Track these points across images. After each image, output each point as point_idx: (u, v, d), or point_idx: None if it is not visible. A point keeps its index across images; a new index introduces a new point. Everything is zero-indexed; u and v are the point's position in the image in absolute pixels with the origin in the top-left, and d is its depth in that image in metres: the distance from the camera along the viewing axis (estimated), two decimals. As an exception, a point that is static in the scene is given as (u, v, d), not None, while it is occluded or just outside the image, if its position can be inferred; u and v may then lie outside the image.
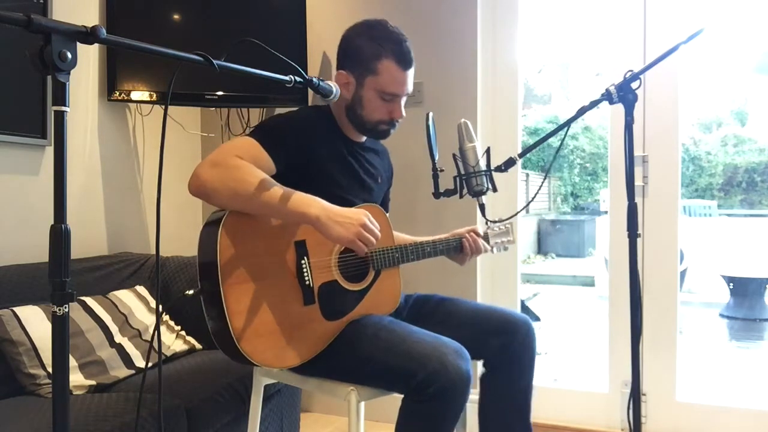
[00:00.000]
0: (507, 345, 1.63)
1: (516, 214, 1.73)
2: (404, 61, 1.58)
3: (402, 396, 1.44)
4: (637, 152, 2.38)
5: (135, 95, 2.46)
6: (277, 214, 1.43)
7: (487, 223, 1.77)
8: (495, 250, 1.83)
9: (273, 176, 1.48)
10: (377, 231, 1.47)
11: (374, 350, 1.46)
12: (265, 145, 1.48)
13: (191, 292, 1.41)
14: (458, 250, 1.76)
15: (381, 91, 1.58)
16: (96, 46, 2.35)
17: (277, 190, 1.41)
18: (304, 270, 1.50)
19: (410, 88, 1.62)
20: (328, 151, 1.61)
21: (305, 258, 1.50)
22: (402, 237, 1.85)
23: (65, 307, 0.89)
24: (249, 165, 1.42)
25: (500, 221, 1.79)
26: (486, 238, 1.80)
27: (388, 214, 1.90)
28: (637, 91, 1.41)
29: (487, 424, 1.68)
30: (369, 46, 1.57)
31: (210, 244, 1.41)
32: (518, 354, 1.64)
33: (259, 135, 1.50)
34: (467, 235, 1.75)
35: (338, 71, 1.63)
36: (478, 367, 1.72)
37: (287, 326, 1.46)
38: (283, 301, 1.47)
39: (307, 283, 1.50)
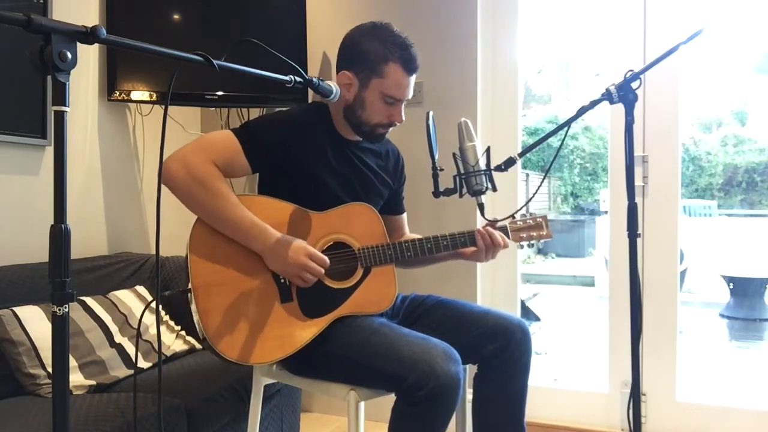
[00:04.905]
0: (502, 349, 1.61)
1: (515, 213, 1.71)
2: (410, 67, 1.59)
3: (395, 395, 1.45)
4: (637, 152, 2.37)
5: (135, 95, 2.46)
6: (230, 233, 1.47)
7: (513, 216, 1.70)
8: (525, 245, 1.70)
9: (261, 175, 1.57)
10: (319, 269, 1.48)
11: (365, 355, 1.46)
12: (245, 147, 1.51)
13: (168, 293, 1.44)
14: (469, 245, 1.65)
15: (384, 94, 1.58)
16: (96, 46, 2.35)
17: (231, 215, 1.45)
18: None
19: (411, 93, 1.64)
20: (316, 151, 1.60)
21: None
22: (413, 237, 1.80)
23: (65, 307, 0.89)
24: (215, 181, 1.46)
25: (528, 214, 1.69)
26: (505, 231, 1.68)
27: (404, 215, 1.89)
28: (637, 91, 1.41)
29: (480, 425, 1.67)
30: (377, 48, 1.56)
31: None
32: (513, 358, 1.62)
33: (242, 135, 1.53)
34: (481, 228, 1.66)
35: (341, 71, 1.61)
36: (476, 368, 1.70)
37: (263, 324, 1.47)
38: (258, 299, 1.48)
39: (283, 281, 1.51)
